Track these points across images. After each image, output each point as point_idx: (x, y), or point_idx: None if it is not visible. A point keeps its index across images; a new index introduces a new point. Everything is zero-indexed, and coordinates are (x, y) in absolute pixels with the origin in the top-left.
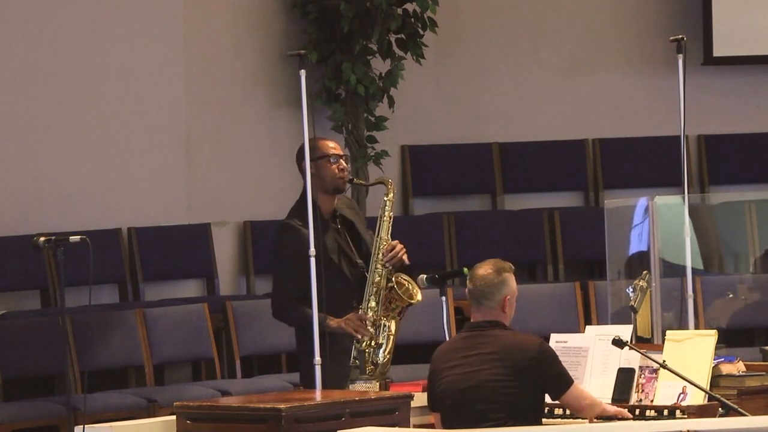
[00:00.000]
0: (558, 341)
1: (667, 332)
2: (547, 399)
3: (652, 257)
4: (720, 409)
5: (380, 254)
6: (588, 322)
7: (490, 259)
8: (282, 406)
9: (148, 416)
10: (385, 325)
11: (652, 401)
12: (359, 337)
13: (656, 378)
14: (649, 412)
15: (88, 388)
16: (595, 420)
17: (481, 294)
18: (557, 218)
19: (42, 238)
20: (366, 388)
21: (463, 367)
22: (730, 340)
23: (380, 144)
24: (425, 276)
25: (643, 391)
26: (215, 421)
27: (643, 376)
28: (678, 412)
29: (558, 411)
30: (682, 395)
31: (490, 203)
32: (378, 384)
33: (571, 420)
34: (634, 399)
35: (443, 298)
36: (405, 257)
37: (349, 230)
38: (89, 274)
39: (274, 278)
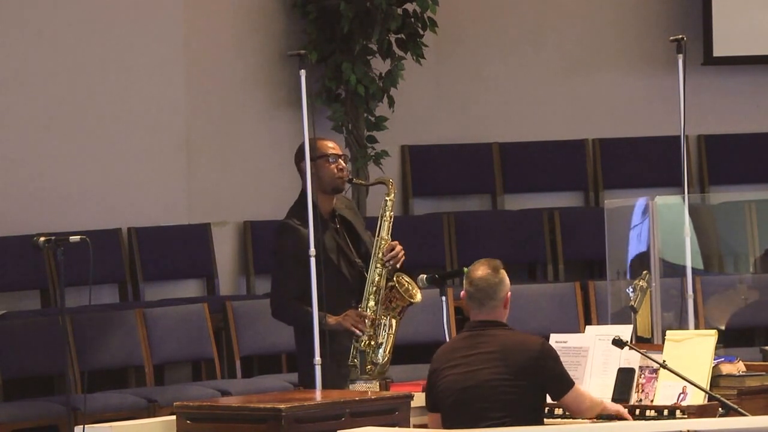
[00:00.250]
0: (558, 341)
1: (667, 332)
2: (548, 399)
3: (652, 257)
4: (720, 409)
5: (380, 254)
6: (588, 322)
7: (481, 259)
8: (282, 406)
9: (148, 416)
10: (384, 325)
11: (652, 401)
12: (357, 332)
13: (656, 378)
14: (649, 412)
15: (88, 388)
16: (595, 419)
17: (485, 294)
18: (557, 218)
19: (42, 238)
20: (366, 388)
21: (463, 366)
22: (730, 340)
23: (380, 144)
24: (425, 276)
25: (643, 391)
26: (215, 421)
27: (643, 376)
28: (678, 412)
29: (558, 411)
30: (682, 395)
31: (490, 203)
32: (378, 384)
33: (571, 420)
34: (634, 399)
35: (443, 298)
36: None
37: (347, 230)
38: (89, 274)
39: (273, 278)
